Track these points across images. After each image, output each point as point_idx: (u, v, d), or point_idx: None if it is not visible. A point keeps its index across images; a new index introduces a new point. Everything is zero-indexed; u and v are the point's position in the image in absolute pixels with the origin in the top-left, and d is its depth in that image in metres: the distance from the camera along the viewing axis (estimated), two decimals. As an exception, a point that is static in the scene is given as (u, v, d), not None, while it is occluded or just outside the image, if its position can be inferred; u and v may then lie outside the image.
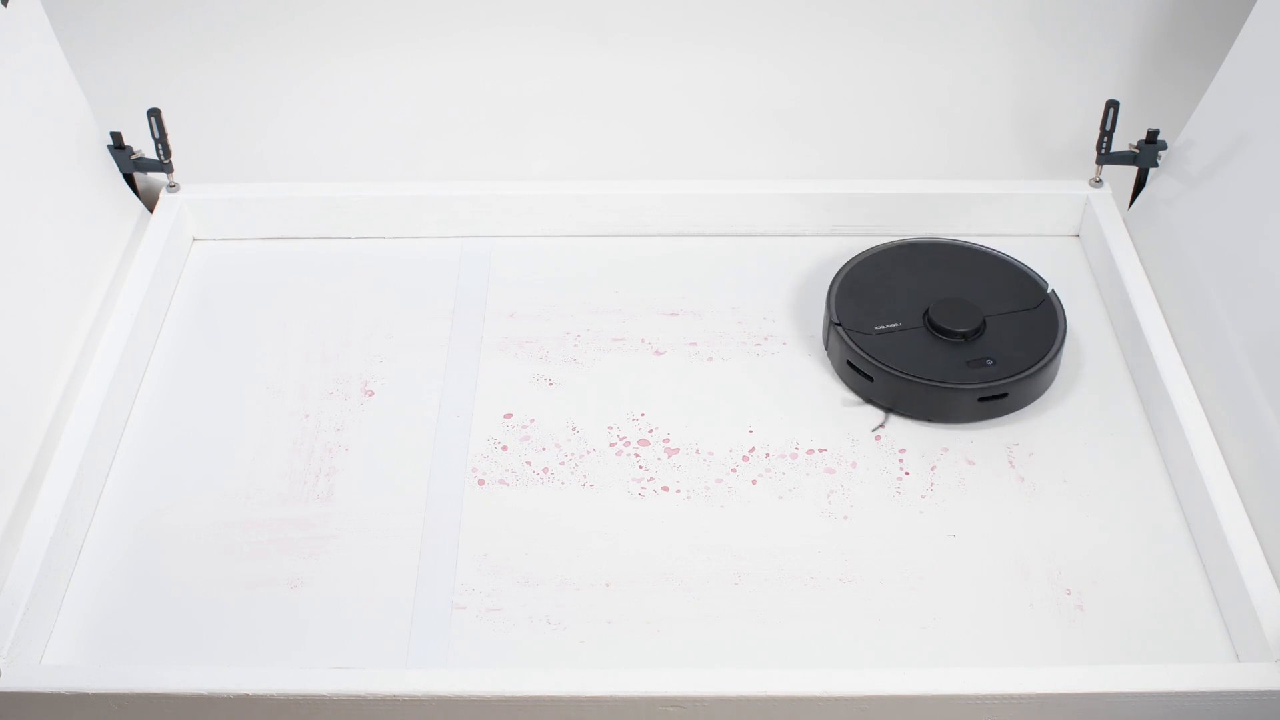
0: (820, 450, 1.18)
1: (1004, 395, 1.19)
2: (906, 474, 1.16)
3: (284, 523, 1.12)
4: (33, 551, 1.04)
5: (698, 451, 1.18)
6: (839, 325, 1.23)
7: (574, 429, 1.20)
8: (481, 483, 1.16)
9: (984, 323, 1.23)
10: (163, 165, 1.35)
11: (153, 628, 1.05)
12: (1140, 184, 1.36)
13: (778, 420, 1.21)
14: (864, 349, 1.21)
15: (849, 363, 1.22)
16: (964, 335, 1.22)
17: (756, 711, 0.95)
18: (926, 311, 1.24)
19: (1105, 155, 1.35)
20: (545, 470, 1.17)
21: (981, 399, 1.18)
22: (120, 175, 1.35)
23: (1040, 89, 1.53)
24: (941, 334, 1.22)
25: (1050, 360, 1.20)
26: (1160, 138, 1.33)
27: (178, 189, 1.37)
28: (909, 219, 1.38)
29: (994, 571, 1.09)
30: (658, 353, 1.27)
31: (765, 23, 1.53)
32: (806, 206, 1.38)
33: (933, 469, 1.16)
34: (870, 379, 1.20)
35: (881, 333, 1.22)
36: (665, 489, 1.15)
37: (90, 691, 0.95)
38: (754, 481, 1.15)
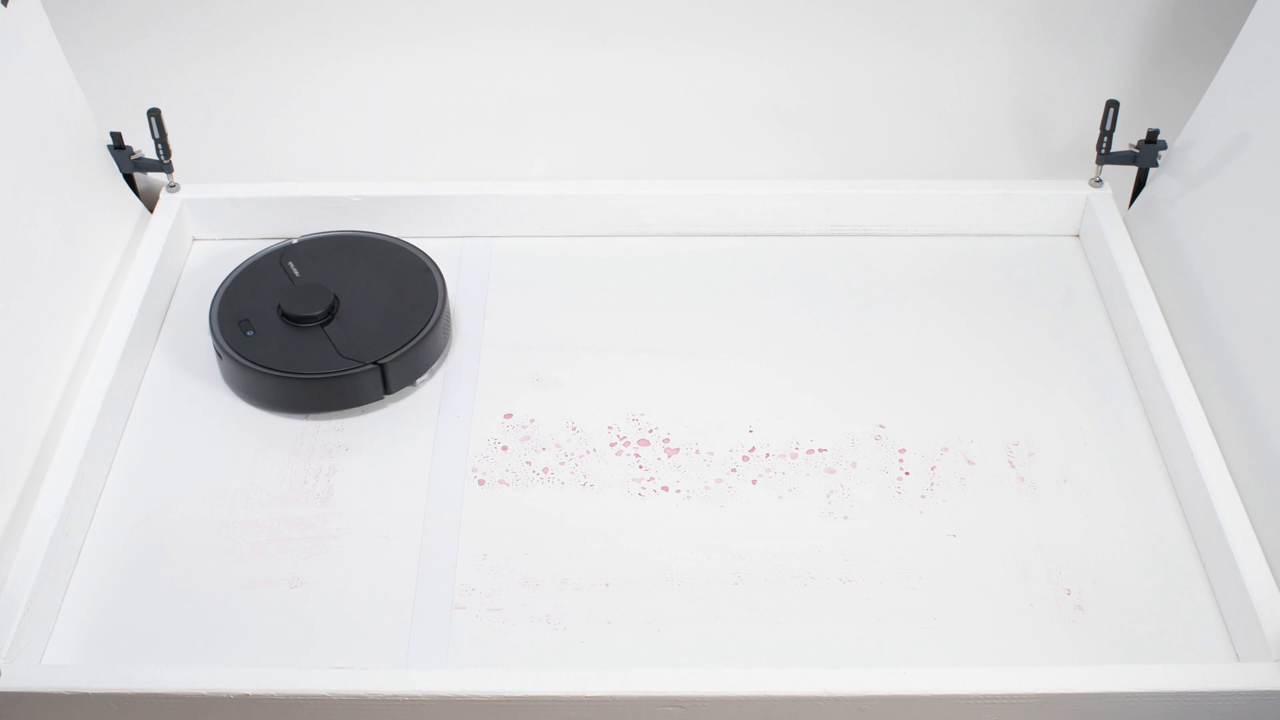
0: (820, 450, 1.18)
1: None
2: (906, 474, 1.16)
3: (284, 523, 1.12)
4: (33, 551, 1.04)
5: (698, 451, 1.18)
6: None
7: (574, 429, 1.20)
8: (481, 483, 1.16)
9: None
10: (163, 165, 1.35)
11: (153, 628, 1.05)
12: (1140, 184, 1.36)
13: (778, 420, 1.21)
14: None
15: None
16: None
17: (756, 711, 0.95)
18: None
19: (1105, 155, 1.35)
20: (545, 470, 1.17)
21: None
22: (120, 175, 1.35)
23: (1040, 89, 1.53)
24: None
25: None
26: (1160, 138, 1.33)
27: (178, 189, 1.37)
28: (909, 219, 1.38)
29: (994, 571, 1.09)
30: (657, 353, 1.27)
31: (766, 23, 1.53)
32: (806, 206, 1.38)
33: (933, 469, 1.16)
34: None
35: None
36: (665, 489, 1.15)
37: (90, 691, 0.95)
38: (754, 481, 1.15)
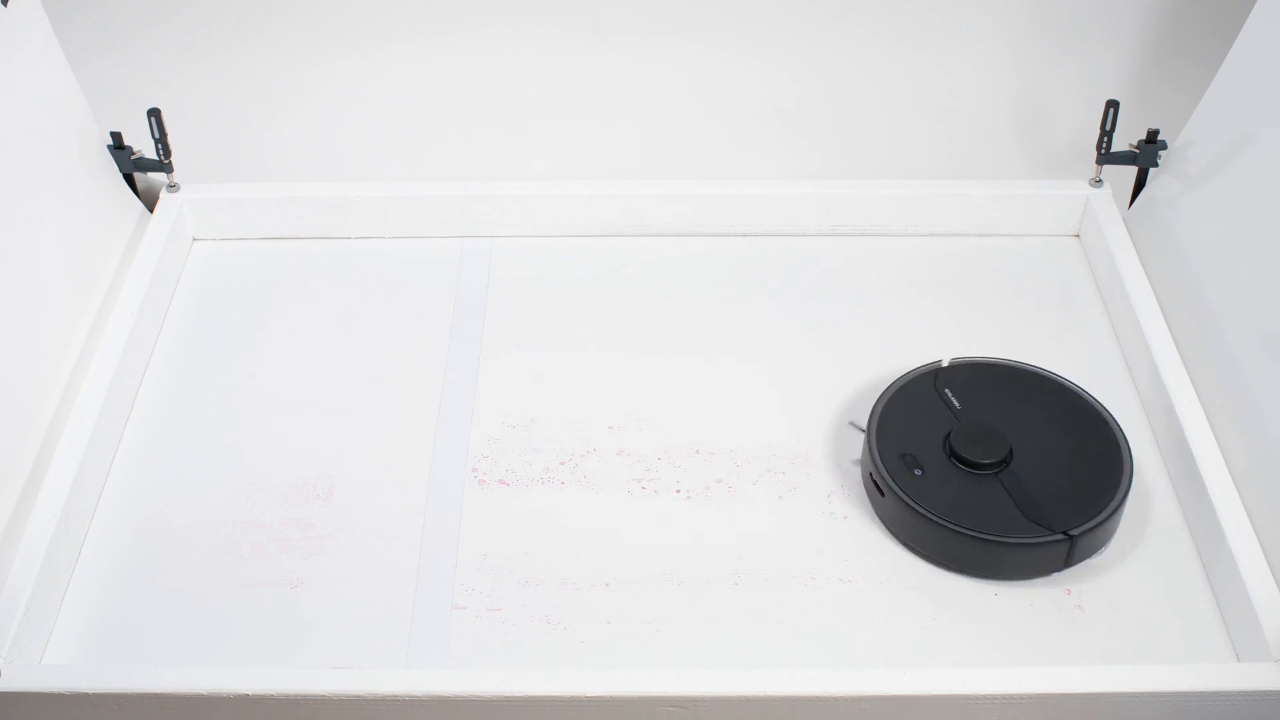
0: (820, 450, 1.18)
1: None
2: (906, 474, 1.16)
3: (284, 523, 1.12)
4: (33, 551, 1.04)
5: (698, 451, 1.18)
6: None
7: (574, 429, 1.20)
8: (482, 483, 1.16)
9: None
10: (163, 165, 1.35)
11: (153, 627, 1.05)
12: (1140, 184, 1.36)
13: (778, 420, 1.20)
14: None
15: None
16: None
17: (756, 711, 0.95)
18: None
19: (1105, 155, 1.35)
20: (545, 470, 1.16)
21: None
22: (120, 175, 1.35)
23: (1040, 89, 1.53)
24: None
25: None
26: (1160, 138, 1.33)
27: (178, 189, 1.37)
28: (909, 219, 1.38)
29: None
30: (657, 352, 1.27)
31: (765, 22, 1.53)
32: (806, 206, 1.38)
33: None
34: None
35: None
36: (665, 489, 1.15)
37: (90, 691, 0.95)
38: (754, 482, 1.15)
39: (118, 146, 1.34)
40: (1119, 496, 1.08)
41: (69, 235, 1.24)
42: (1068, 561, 1.07)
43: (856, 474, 1.16)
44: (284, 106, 1.53)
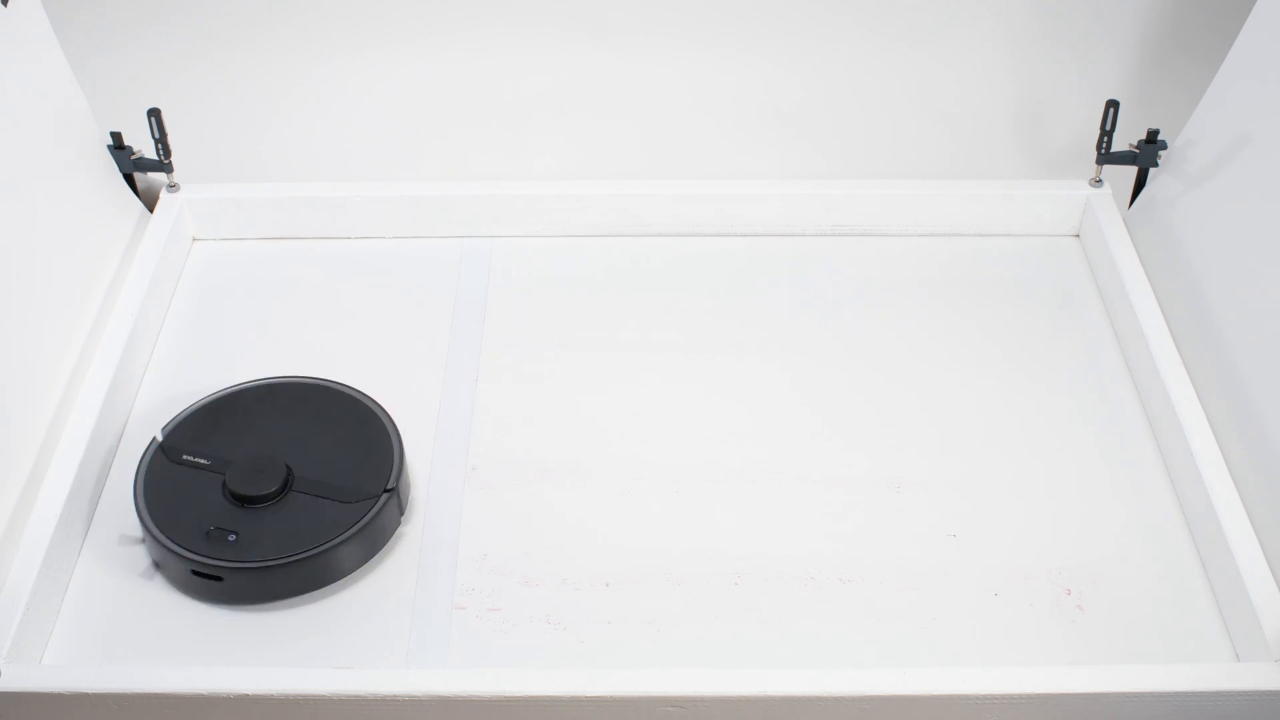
0: (820, 449, 1.18)
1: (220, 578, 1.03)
2: (906, 473, 1.16)
3: (284, 523, 1.12)
4: (33, 551, 1.04)
5: (698, 451, 1.18)
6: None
7: (574, 429, 1.20)
8: (482, 483, 1.16)
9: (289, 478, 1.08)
10: (163, 165, 1.35)
11: (153, 628, 1.05)
12: (1140, 184, 1.36)
13: (777, 419, 1.20)
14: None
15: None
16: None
17: (756, 711, 0.95)
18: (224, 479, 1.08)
19: (1105, 155, 1.35)
20: (545, 470, 1.16)
21: (195, 573, 1.03)
22: (120, 175, 1.35)
23: (1040, 89, 1.53)
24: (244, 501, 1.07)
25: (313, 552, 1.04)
26: (1160, 138, 1.33)
27: (178, 189, 1.37)
28: (909, 219, 1.38)
29: (994, 571, 1.09)
30: (657, 352, 1.27)
31: (767, 22, 1.53)
32: (806, 206, 1.38)
33: (932, 468, 1.16)
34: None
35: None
36: (665, 488, 1.15)
37: (90, 691, 0.95)
38: (754, 482, 1.15)
39: (118, 146, 1.34)
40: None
41: (69, 235, 1.24)
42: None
43: (856, 473, 1.16)
44: (284, 106, 1.53)
